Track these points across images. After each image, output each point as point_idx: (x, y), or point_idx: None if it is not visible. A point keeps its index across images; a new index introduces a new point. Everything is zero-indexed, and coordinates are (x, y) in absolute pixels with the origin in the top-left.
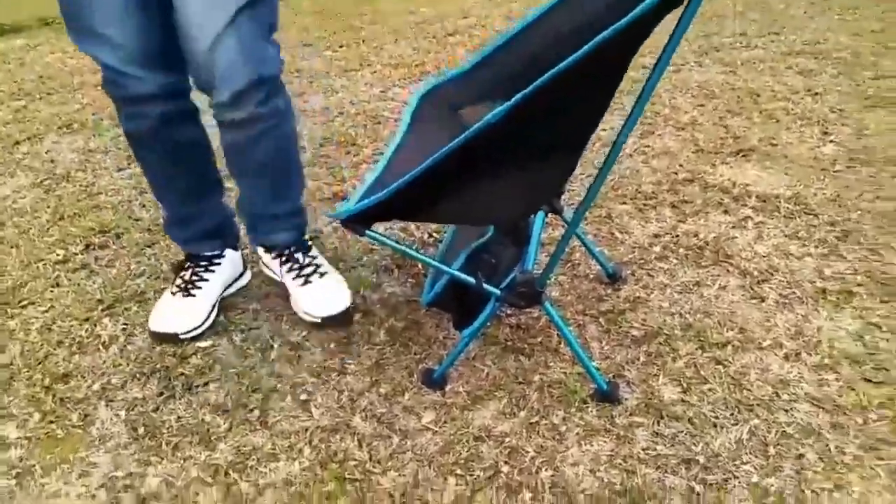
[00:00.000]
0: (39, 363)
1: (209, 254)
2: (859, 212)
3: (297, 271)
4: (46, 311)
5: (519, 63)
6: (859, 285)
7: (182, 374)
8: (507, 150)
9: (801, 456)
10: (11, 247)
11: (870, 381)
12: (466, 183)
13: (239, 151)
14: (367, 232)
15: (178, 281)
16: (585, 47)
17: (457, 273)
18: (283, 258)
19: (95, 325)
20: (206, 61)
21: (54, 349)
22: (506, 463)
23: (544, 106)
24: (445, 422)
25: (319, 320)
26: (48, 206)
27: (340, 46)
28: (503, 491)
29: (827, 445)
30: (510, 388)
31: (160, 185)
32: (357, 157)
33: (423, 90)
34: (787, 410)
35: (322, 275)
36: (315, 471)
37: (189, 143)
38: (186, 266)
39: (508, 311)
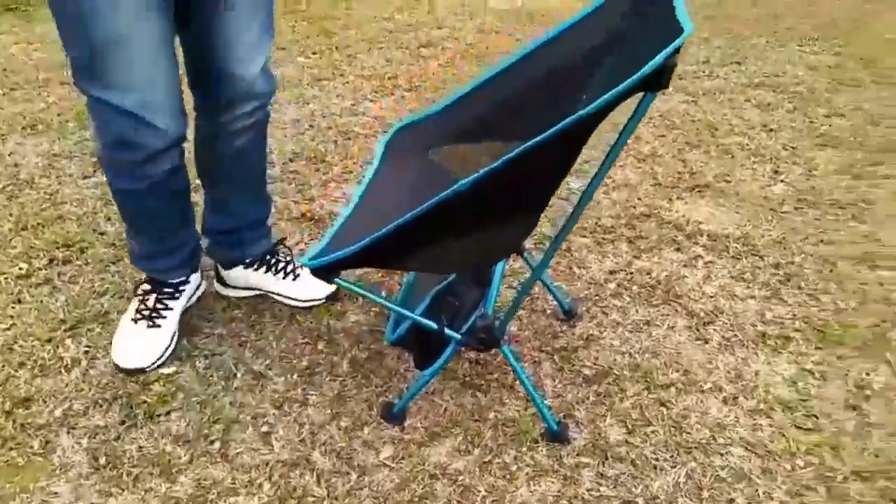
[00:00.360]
0: (1, 385)
1: (176, 280)
2: (802, 255)
3: (283, 271)
4: (8, 329)
5: (490, 107)
6: (797, 331)
7: (144, 401)
8: (473, 212)
9: (731, 500)
10: None
11: (800, 427)
12: (433, 240)
13: (243, 157)
14: (336, 280)
15: (142, 307)
16: (553, 130)
17: (420, 319)
18: (269, 263)
19: (58, 347)
20: (250, 78)
21: (16, 371)
22: (459, 500)
23: (509, 176)
24: (403, 458)
25: (324, 299)
26: (10, 215)
27: (314, 53)
28: None
29: (756, 490)
30: (466, 425)
31: (141, 229)
32: (326, 175)
33: (396, 128)
34: (721, 454)
35: (301, 267)
36: None
37: (181, 188)
38: (150, 290)
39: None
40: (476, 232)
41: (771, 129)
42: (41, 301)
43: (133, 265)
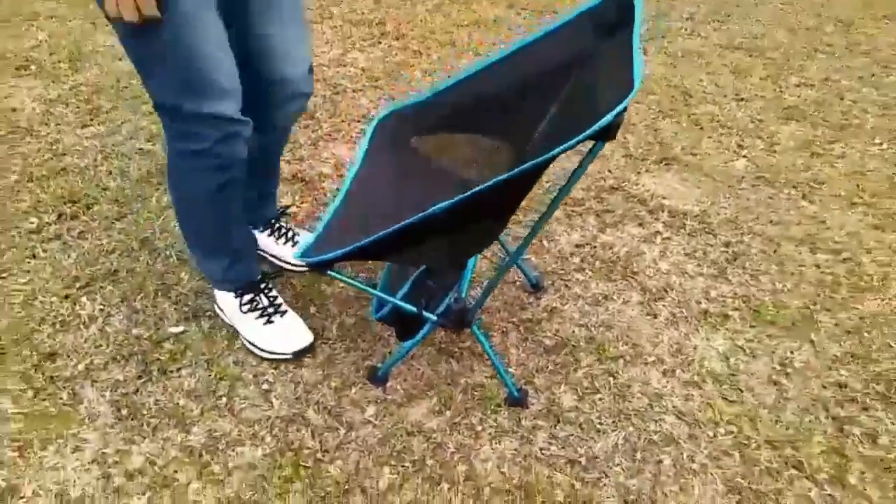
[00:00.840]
0: (26, 339)
1: (260, 274)
2: (751, 235)
3: (284, 236)
4: (27, 284)
5: (471, 101)
6: (735, 309)
7: (157, 358)
8: (454, 220)
9: (659, 461)
10: None
11: (726, 399)
12: (419, 242)
13: (276, 149)
14: (329, 272)
15: (261, 310)
16: (513, 172)
17: (401, 304)
18: (273, 227)
19: (75, 304)
20: (303, 77)
21: (38, 325)
22: (431, 457)
23: (481, 199)
24: (384, 416)
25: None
26: (16, 166)
27: None
28: (427, 482)
29: (681, 454)
30: (440, 389)
31: (216, 238)
32: (315, 132)
33: (382, 115)
34: (656, 421)
35: (297, 235)
36: (275, 457)
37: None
38: (252, 295)
39: None
40: (457, 233)
41: (742, 99)
42: (54, 257)
43: (220, 286)
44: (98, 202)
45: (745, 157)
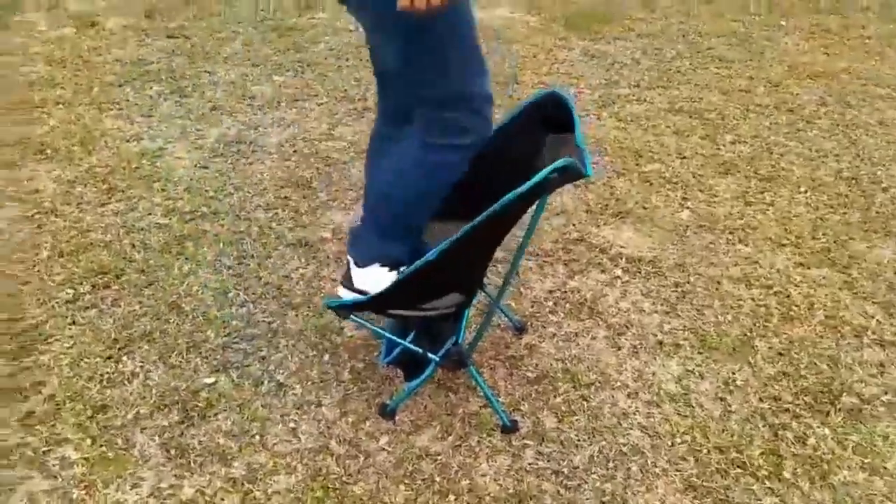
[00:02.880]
0: (78, 395)
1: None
2: (696, 276)
3: None
4: (70, 348)
5: (466, 188)
6: (685, 339)
7: (196, 405)
8: (441, 271)
9: (628, 468)
10: (23, 283)
11: (680, 414)
12: (417, 291)
13: None
14: (350, 317)
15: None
16: (474, 223)
17: (410, 346)
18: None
19: (117, 363)
20: None
21: (87, 383)
22: (438, 475)
23: (461, 248)
24: (396, 444)
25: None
26: (46, 243)
27: (287, 71)
28: (437, 495)
29: (646, 461)
30: (441, 418)
31: (419, 223)
32: (314, 201)
33: None
34: (624, 435)
35: None
36: (307, 482)
37: None
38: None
39: None
40: (445, 278)
41: (684, 156)
42: (93, 323)
43: (385, 265)
44: (125, 272)
45: (688, 208)
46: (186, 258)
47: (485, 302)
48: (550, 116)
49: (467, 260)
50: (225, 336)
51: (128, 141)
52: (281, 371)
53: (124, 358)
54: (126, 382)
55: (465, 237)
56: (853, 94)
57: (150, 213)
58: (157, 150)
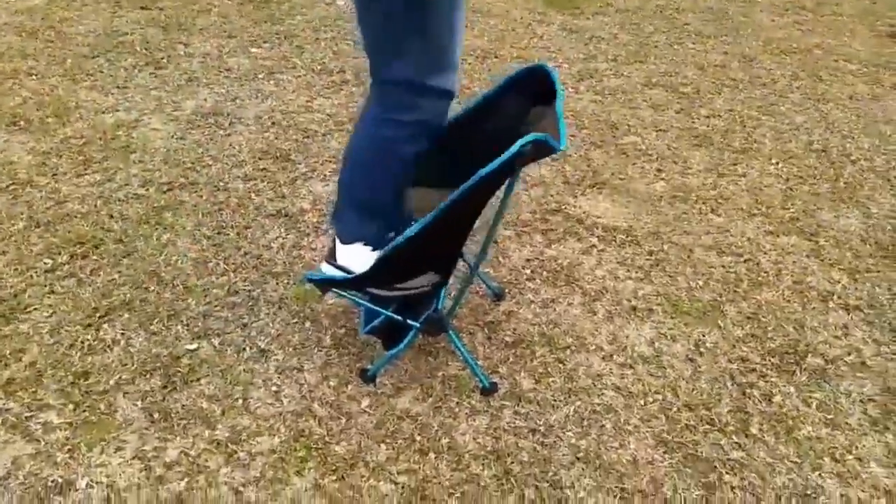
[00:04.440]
0: (59, 363)
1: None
2: (670, 244)
3: None
4: (50, 317)
5: (447, 156)
6: (658, 304)
7: (178, 371)
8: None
9: (602, 426)
10: (0, 253)
11: (652, 375)
12: (401, 266)
13: None
14: (334, 290)
15: None
16: (445, 204)
17: (392, 314)
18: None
19: (98, 331)
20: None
21: (68, 350)
22: (419, 434)
23: (438, 226)
24: (377, 406)
25: None
26: (22, 214)
27: (265, 42)
28: (417, 453)
29: (619, 418)
30: (422, 381)
31: (393, 201)
32: (293, 173)
33: None
34: (598, 395)
35: None
36: (289, 443)
37: None
38: None
39: None
40: (427, 252)
41: (660, 129)
42: (72, 292)
43: (365, 243)
44: (104, 242)
45: (663, 179)
46: (165, 228)
47: (463, 269)
48: (536, 89)
49: (445, 236)
50: (206, 304)
51: (103, 112)
52: (262, 337)
53: (104, 326)
54: (107, 350)
55: (442, 214)
56: (825, 70)
57: (127, 184)
58: (133, 122)
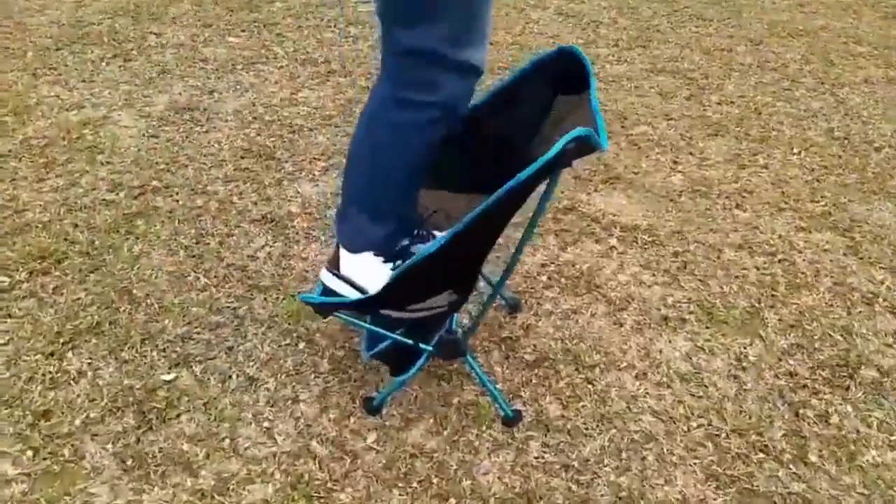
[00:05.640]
0: (17, 400)
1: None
2: (696, 244)
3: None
4: (6, 345)
5: (462, 157)
6: (691, 313)
7: (154, 406)
8: (438, 266)
9: (643, 458)
10: None
11: (693, 395)
12: (413, 288)
13: None
14: (334, 314)
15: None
16: (482, 207)
17: (400, 338)
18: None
19: (61, 360)
20: None
21: (27, 385)
22: (436, 475)
23: (465, 239)
24: (386, 441)
25: None
26: None
27: (242, 31)
28: (436, 499)
29: (662, 448)
30: (434, 410)
31: (404, 199)
32: (279, 172)
33: None
34: (635, 421)
35: None
36: (286, 491)
37: None
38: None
39: None
40: (446, 273)
41: (671, 118)
42: (32, 315)
43: (370, 250)
44: (68, 256)
45: (680, 172)
46: (137, 238)
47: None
48: (560, 76)
49: (470, 251)
50: (185, 325)
51: (67, 109)
52: (251, 363)
53: (69, 354)
54: (72, 383)
55: (470, 226)
56: (835, 52)
57: (94, 189)
58: (101, 119)
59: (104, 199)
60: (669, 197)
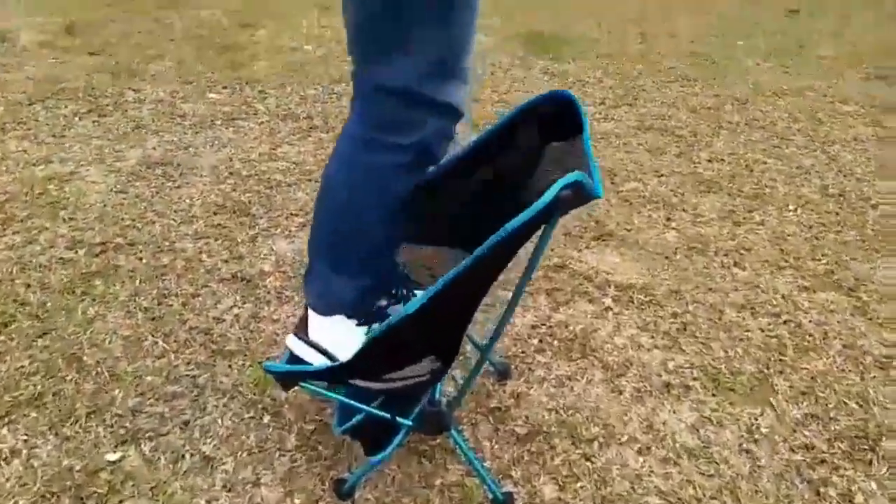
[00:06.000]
0: None
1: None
2: (695, 304)
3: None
4: None
5: (429, 210)
6: (695, 379)
7: (94, 492)
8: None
9: None
10: None
11: (703, 473)
12: (391, 355)
13: None
14: (301, 384)
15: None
16: (469, 261)
17: (374, 410)
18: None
19: None
20: None
21: None
22: None
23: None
24: None
25: None
26: None
27: (224, 88)
28: None
29: None
30: (415, 493)
31: (377, 253)
32: (253, 229)
33: None
34: None
35: None
36: None
37: None
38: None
39: None
40: (419, 346)
41: (661, 175)
42: None
43: (341, 311)
44: (16, 319)
45: (674, 228)
46: (93, 299)
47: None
48: (550, 121)
49: (454, 311)
50: (136, 396)
51: (34, 164)
52: (208, 440)
53: (4, 431)
54: (3, 464)
55: (454, 282)
56: (822, 111)
57: (52, 247)
58: (68, 175)
59: (61, 258)
60: (664, 254)
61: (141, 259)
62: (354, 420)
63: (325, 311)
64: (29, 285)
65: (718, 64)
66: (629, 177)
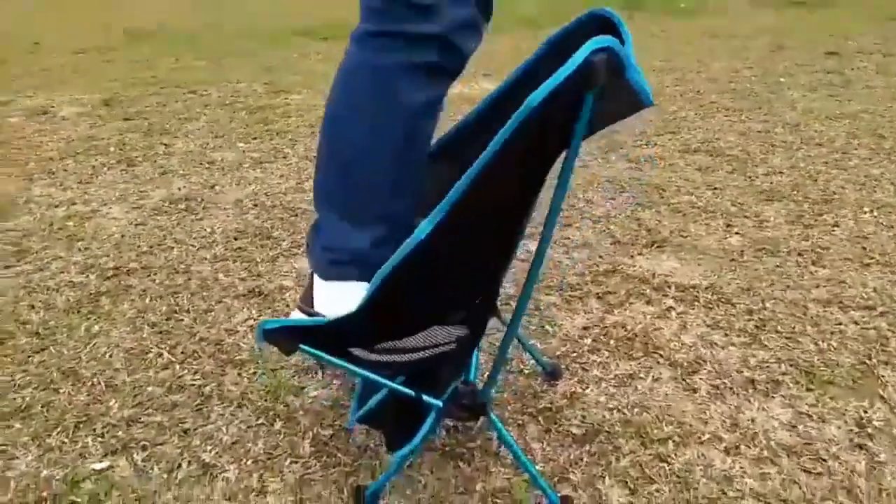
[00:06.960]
0: None
1: None
2: (773, 300)
3: None
4: None
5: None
6: (784, 374)
7: (72, 501)
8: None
9: None
10: None
11: (810, 472)
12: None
13: None
14: (301, 347)
15: None
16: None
17: (397, 386)
18: None
19: None
20: None
21: None
22: None
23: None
24: None
25: None
26: None
27: (254, 139)
28: None
29: None
30: (451, 501)
31: (394, 192)
32: (274, 250)
33: None
34: None
35: None
36: None
37: None
38: None
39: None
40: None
41: (716, 188)
42: None
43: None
44: (14, 336)
45: (737, 233)
46: (98, 317)
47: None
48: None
49: (472, 249)
50: (133, 407)
51: (56, 206)
52: (209, 447)
53: None
54: None
55: (460, 201)
56: (883, 128)
57: (62, 272)
58: (89, 213)
59: (71, 281)
60: (729, 257)
61: (154, 280)
62: (370, 404)
63: (332, 274)
64: (33, 306)
65: (762, 96)
66: (679, 191)
